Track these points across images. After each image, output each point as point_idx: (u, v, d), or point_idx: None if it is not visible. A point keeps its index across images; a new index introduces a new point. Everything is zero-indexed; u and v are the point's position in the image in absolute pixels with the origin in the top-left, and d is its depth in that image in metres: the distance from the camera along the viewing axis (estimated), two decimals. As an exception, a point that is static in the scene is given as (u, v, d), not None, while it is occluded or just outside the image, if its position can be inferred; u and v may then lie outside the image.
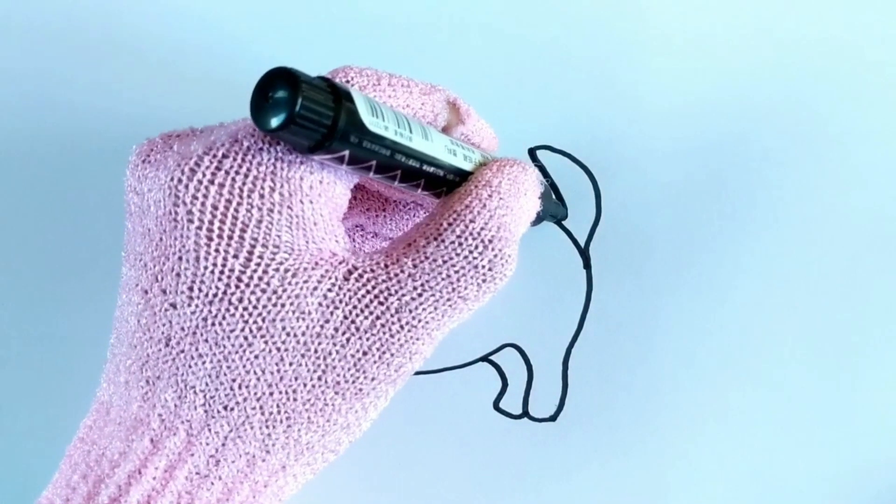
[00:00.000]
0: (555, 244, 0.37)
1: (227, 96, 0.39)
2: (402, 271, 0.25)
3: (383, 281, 0.25)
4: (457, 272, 0.26)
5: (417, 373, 0.35)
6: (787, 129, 0.39)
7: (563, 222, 0.37)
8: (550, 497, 0.35)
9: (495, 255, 0.26)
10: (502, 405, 0.35)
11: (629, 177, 0.38)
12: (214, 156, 0.24)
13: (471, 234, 0.26)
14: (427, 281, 0.26)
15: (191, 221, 0.24)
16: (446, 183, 0.27)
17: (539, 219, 0.31)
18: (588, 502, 0.35)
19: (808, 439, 0.35)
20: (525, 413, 0.35)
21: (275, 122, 0.22)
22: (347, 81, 0.26)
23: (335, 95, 0.22)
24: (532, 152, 0.38)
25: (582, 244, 0.37)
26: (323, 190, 0.25)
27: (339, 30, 0.40)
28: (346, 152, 0.23)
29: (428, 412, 0.35)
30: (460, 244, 0.26)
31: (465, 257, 0.26)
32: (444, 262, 0.26)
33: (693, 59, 0.39)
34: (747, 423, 0.36)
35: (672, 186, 0.38)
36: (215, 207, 0.24)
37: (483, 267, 0.26)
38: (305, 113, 0.22)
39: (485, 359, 0.35)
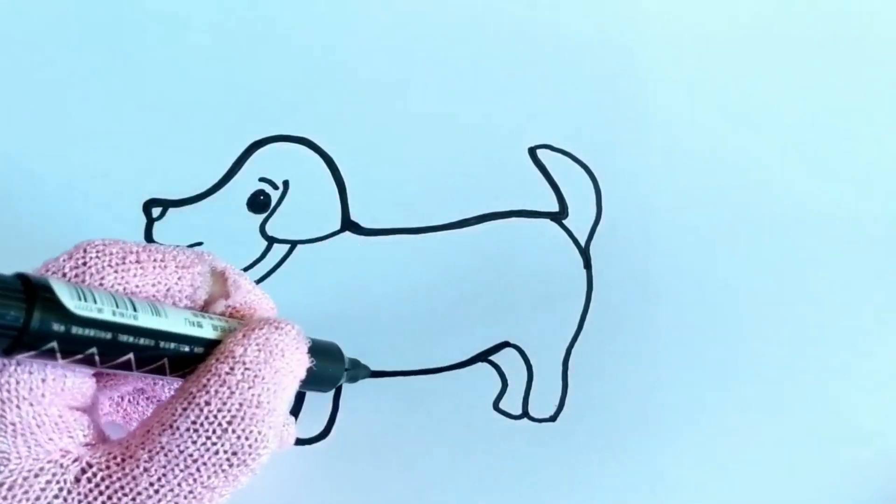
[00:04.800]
0: (555, 244, 0.37)
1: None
2: (138, 466, 0.23)
3: (118, 479, 0.23)
4: (195, 462, 0.23)
5: (418, 372, 0.35)
6: (787, 129, 0.39)
7: (564, 222, 0.37)
8: (550, 497, 0.35)
9: (238, 437, 0.24)
10: (502, 405, 0.35)
11: (629, 177, 0.38)
12: None
13: (206, 418, 0.23)
14: (163, 475, 0.23)
15: None
16: (196, 360, 0.25)
17: (331, 381, 0.29)
18: (588, 502, 0.35)
19: (808, 439, 0.35)
20: (525, 413, 0.35)
21: None
22: (84, 263, 0.24)
23: (28, 291, 0.21)
24: (532, 152, 0.38)
25: (582, 244, 0.37)
26: (48, 388, 0.23)
27: (338, 26, 0.40)
28: (54, 344, 0.21)
29: (428, 412, 0.35)
30: (196, 430, 0.23)
31: (203, 444, 0.23)
32: (181, 451, 0.23)
33: (693, 59, 0.40)
34: (747, 422, 0.35)
35: (672, 186, 0.38)
36: None
37: (225, 452, 0.24)
38: None
39: (484, 359, 0.35)
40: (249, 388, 0.24)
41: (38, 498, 0.23)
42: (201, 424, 0.24)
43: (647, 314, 0.37)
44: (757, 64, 0.40)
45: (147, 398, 0.30)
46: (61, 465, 0.23)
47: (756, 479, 0.35)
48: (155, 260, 0.25)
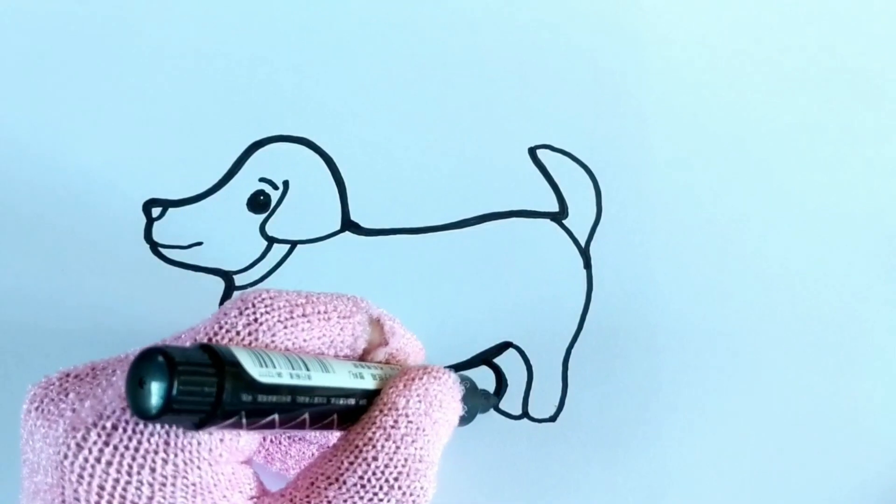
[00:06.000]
0: (555, 244, 0.37)
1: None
2: None
3: None
4: None
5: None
6: (787, 129, 0.39)
7: (564, 222, 0.37)
8: (550, 497, 0.35)
9: (403, 493, 0.24)
10: (502, 405, 0.35)
11: (629, 177, 0.38)
12: (104, 428, 0.22)
13: (374, 474, 0.24)
14: None
15: (77, 500, 0.22)
16: (359, 412, 0.25)
17: (467, 419, 0.29)
18: (588, 502, 0.35)
19: (808, 439, 0.35)
20: (525, 413, 0.35)
21: (153, 409, 0.20)
22: (256, 320, 0.24)
23: (216, 365, 0.21)
24: (532, 152, 0.38)
25: (582, 244, 0.37)
26: (225, 448, 0.23)
27: (338, 26, 0.40)
28: (242, 415, 0.21)
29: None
30: (363, 486, 0.23)
31: (370, 500, 0.23)
32: None
33: (693, 59, 0.39)
34: (747, 422, 0.35)
35: (672, 186, 0.38)
36: (101, 488, 0.22)
37: None
38: (183, 398, 0.20)
39: (485, 359, 0.35)
40: (413, 441, 0.24)
41: None
42: (368, 480, 0.24)
43: (647, 314, 0.37)
44: (757, 64, 0.40)
45: (289, 438, 0.30)
46: None
47: (756, 478, 0.35)
48: (319, 312, 0.25)
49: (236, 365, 0.21)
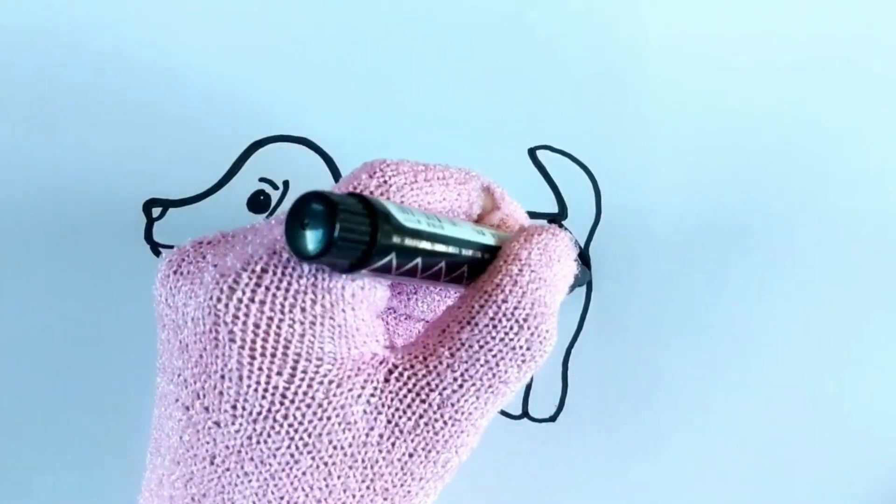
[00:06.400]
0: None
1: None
2: (441, 363, 0.25)
3: (423, 376, 0.25)
4: (494, 356, 0.25)
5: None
6: (787, 130, 0.39)
7: (563, 223, 0.37)
8: (550, 497, 0.35)
9: (532, 334, 0.25)
10: (502, 405, 0.35)
11: (629, 177, 0.38)
12: (253, 271, 0.23)
13: (504, 315, 0.25)
14: (466, 370, 0.25)
15: (233, 341, 0.23)
16: (484, 265, 0.26)
17: (575, 285, 0.30)
18: (588, 502, 0.35)
19: (807, 439, 0.35)
20: (525, 413, 0.35)
21: (313, 249, 0.21)
22: (385, 182, 0.25)
23: (369, 211, 0.22)
24: (532, 152, 0.38)
25: (582, 244, 0.37)
26: (365, 295, 0.24)
27: (338, 26, 0.40)
28: (392, 256, 0.23)
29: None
30: (494, 326, 0.25)
31: (502, 339, 0.25)
32: (481, 347, 0.25)
33: (693, 59, 0.39)
34: (747, 422, 0.36)
35: (672, 186, 0.38)
36: (257, 326, 0.23)
37: (521, 347, 0.25)
38: (345, 235, 0.21)
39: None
40: (537, 288, 0.25)
41: (359, 395, 0.24)
42: (500, 321, 0.25)
43: (647, 314, 0.37)
44: (758, 64, 0.40)
45: (396, 316, 0.32)
46: (373, 366, 0.25)
47: (756, 478, 0.35)
48: (438, 178, 0.26)
49: (386, 211, 0.22)
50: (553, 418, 0.35)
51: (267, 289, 0.23)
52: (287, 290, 0.23)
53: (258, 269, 0.23)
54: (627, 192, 0.38)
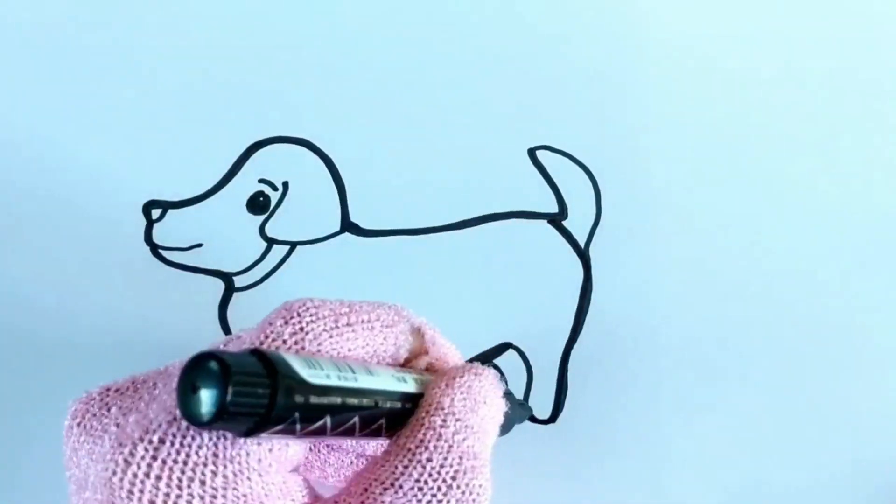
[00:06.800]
0: (555, 244, 0.37)
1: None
2: None
3: None
4: None
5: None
6: (787, 129, 0.39)
7: (563, 223, 0.37)
8: (550, 497, 0.35)
9: (463, 493, 0.23)
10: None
11: (629, 178, 0.38)
12: (150, 442, 0.22)
13: (430, 475, 0.23)
14: None
15: None
16: (405, 416, 0.24)
17: (508, 426, 0.29)
18: (588, 502, 0.35)
19: (807, 439, 0.35)
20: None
21: (205, 414, 0.20)
22: (302, 329, 0.24)
23: (268, 369, 0.20)
24: (532, 152, 0.38)
25: (581, 245, 0.37)
26: (275, 457, 0.23)
27: (338, 26, 0.40)
28: (295, 417, 0.21)
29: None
30: (420, 489, 0.23)
31: (429, 502, 0.23)
32: None
33: (693, 59, 0.39)
34: (747, 422, 0.36)
35: (672, 187, 0.38)
36: (153, 503, 0.22)
37: None
38: (239, 400, 0.19)
39: (484, 360, 0.35)
40: (464, 439, 0.24)
41: None
42: (425, 482, 0.23)
43: (647, 315, 0.37)
44: (758, 63, 0.40)
45: (328, 445, 0.30)
46: None
47: (756, 478, 0.35)
48: (363, 321, 0.25)
49: (288, 368, 0.21)
50: (553, 418, 0.35)
51: (164, 462, 0.22)
52: (185, 463, 0.22)
53: (155, 439, 0.22)
54: (627, 192, 0.38)
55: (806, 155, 0.39)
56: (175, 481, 0.22)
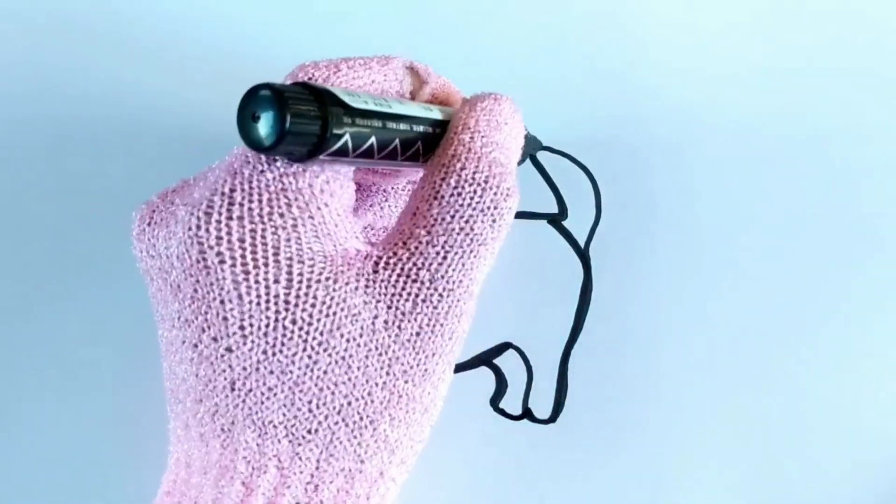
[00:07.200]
0: (555, 243, 0.37)
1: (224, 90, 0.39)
2: (421, 242, 0.26)
3: (408, 259, 0.25)
4: (467, 222, 0.26)
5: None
6: (787, 129, 0.39)
7: (563, 222, 0.37)
8: (550, 497, 0.35)
9: (495, 193, 0.26)
10: (502, 405, 0.35)
11: (629, 177, 0.38)
12: (223, 193, 0.24)
13: (466, 181, 0.26)
14: (445, 241, 0.26)
15: (223, 262, 0.24)
16: (436, 140, 0.27)
17: (527, 151, 0.31)
18: (588, 502, 0.35)
19: (808, 439, 0.35)
20: (525, 413, 0.35)
21: (268, 140, 0.22)
22: (310, 77, 0.26)
23: (316, 96, 0.22)
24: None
25: (581, 246, 0.37)
26: (332, 189, 0.25)
27: (338, 26, 0.40)
28: (347, 138, 0.23)
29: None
30: (459, 194, 0.26)
31: (469, 204, 0.26)
32: (452, 217, 0.26)
33: (693, 58, 0.40)
34: (747, 422, 0.36)
35: (672, 187, 0.38)
36: (242, 241, 0.24)
37: (489, 208, 0.26)
38: (297, 122, 0.21)
39: (484, 360, 0.35)
40: (491, 151, 0.27)
41: (356, 288, 0.25)
42: (463, 188, 0.26)
43: (647, 315, 0.37)
44: (758, 64, 0.40)
45: (375, 232, 0.33)
46: (360, 260, 0.26)
47: (756, 478, 0.35)
48: (360, 63, 0.27)
49: (333, 96, 0.23)
50: (553, 418, 0.35)
51: (241, 204, 0.24)
52: (260, 201, 0.24)
53: (226, 189, 0.24)
54: (627, 192, 0.38)
55: (806, 155, 0.39)
56: (256, 217, 0.24)
